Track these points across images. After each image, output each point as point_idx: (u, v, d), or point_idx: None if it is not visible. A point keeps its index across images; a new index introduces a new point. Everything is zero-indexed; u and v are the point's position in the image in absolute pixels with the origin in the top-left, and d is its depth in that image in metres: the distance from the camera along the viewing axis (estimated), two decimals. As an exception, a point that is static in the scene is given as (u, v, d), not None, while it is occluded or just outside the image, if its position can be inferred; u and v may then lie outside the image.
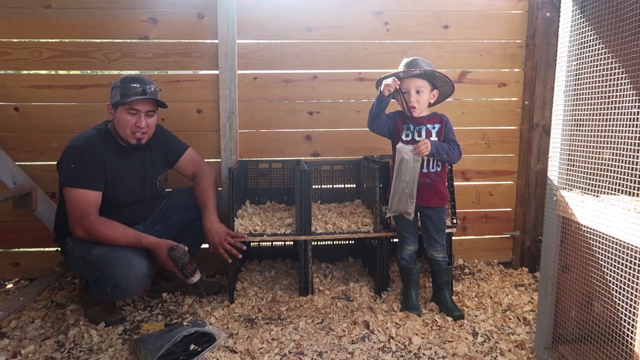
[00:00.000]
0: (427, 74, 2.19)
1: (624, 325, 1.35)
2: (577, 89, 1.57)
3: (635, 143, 1.31)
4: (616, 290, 1.38)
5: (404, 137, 2.26)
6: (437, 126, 2.24)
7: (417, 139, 2.23)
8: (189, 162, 2.45)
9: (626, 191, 1.33)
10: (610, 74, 1.41)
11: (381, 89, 2.15)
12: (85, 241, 2.09)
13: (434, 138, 2.22)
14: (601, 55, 1.45)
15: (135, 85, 2.10)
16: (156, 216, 2.41)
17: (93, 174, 2.10)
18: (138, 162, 2.27)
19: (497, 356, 1.91)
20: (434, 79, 2.23)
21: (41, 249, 2.84)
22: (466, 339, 2.04)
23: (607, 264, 1.42)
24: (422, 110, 2.24)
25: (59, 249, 2.30)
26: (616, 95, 1.39)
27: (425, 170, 2.23)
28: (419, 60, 2.19)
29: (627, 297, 1.33)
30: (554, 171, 1.67)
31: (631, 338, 1.32)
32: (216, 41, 2.69)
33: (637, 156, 1.29)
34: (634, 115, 1.32)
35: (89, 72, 2.75)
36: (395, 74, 2.20)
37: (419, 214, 2.32)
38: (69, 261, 2.22)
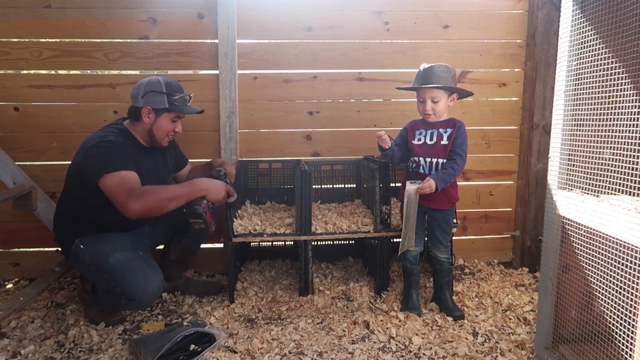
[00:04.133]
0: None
1: (624, 325, 1.35)
2: (577, 89, 1.57)
3: (635, 143, 1.31)
4: (616, 290, 1.38)
5: (415, 141, 2.26)
6: (449, 130, 2.21)
7: (428, 142, 2.23)
8: (186, 174, 2.58)
9: (626, 191, 1.33)
10: (610, 74, 1.41)
11: (379, 144, 2.23)
12: (99, 248, 2.05)
13: (444, 142, 2.20)
14: (601, 55, 1.45)
15: (181, 95, 2.21)
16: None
17: (127, 158, 2.07)
18: (154, 163, 2.29)
19: (497, 356, 1.91)
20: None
21: (41, 249, 2.84)
22: (466, 339, 2.04)
23: (607, 264, 1.42)
24: (438, 117, 2.23)
25: (61, 250, 2.27)
26: (616, 95, 1.39)
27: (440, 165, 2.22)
28: (436, 68, 2.15)
29: (627, 297, 1.33)
30: (554, 171, 1.67)
31: (631, 338, 1.32)
32: (216, 41, 2.69)
33: (637, 156, 1.28)
34: (634, 115, 1.32)
35: (89, 72, 2.75)
36: (410, 88, 2.25)
37: (426, 215, 2.32)
38: (77, 265, 2.16)
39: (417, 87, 2.19)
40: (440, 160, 2.21)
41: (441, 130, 2.22)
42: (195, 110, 2.30)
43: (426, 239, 2.48)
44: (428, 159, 2.23)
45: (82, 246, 2.10)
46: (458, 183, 2.34)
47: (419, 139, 2.26)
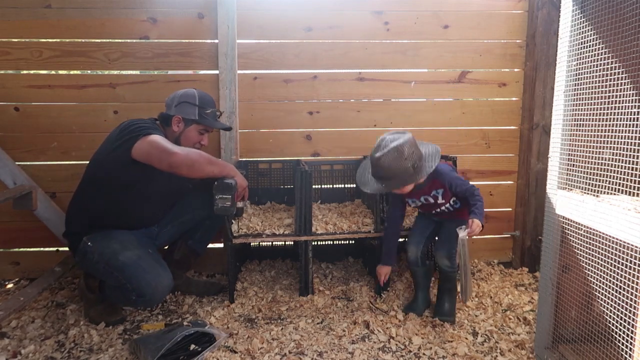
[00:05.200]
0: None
1: (624, 325, 1.35)
2: (577, 89, 1.57)
3: (635, 143, 1.31)
4: (616, 290, 1.38)
5: (413, 206, 2.29)
6: (440, 190, 2.17)
7: (425, 203, 2.23)
8: None
9: (626, 191, 1.33)
10: (610, 74, 1.41)
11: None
12: (108, 246, 2.07)
13: (441, 201, 2.19)
14: (601, 55, 1.45)
15: (212, 109, 2.31)
16: (169, 216, 2.43)
17: (160, 133, 2.14)
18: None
19: (497, 356, 1.91)
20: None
21: (41, 249, 2.84)
22: (466, 338, 2.04)
23: (607, 264, 1.42)
24: (411, 188, 2.08)
25: (68, 245, 2.25)
26: (616, 95, 1.39)
27: (449, 208, 2.24)
28: (383, 164, 1.93)
29: (627, 297, 1.33)
30: (554, 171, 1.67)
31: (631, 338, 1.32)
32: (216, 41, 2.69)
33: (637, 156, 1.29)
34: (634, 115, 1.32)
35: (89, 72, 2.75)
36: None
37: (436, 224, 2.34)
38: (84, 262, 2.16)
39: (370, 191, 2.09)
40: (443, 207, 2.23)
41: (433, 193, 2.18)
42: (223, 126, 2.39)
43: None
44: (433, 211, 2.27)
45: (89, 243, 2.12)
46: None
47: (415, 203, 2.26)
